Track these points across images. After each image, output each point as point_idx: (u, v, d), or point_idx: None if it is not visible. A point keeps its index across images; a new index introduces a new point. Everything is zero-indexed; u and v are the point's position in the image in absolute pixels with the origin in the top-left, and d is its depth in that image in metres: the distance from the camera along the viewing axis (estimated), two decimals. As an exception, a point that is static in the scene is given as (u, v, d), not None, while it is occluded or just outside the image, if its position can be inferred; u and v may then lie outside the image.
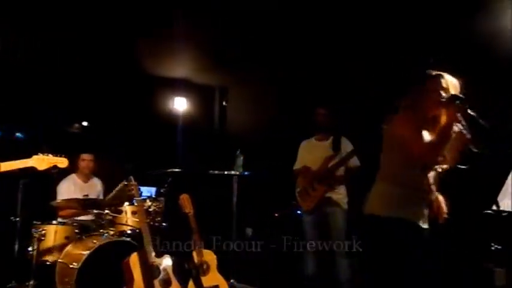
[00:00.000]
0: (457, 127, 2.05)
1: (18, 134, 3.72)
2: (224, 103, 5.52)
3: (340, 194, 3.61)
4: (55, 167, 2.66)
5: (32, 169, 2.56)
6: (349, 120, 4.00)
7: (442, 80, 2.12)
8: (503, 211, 2.75)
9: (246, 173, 4.04)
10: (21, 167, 2.49)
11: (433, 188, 2.18)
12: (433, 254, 2.15)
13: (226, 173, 4.10)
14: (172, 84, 5.48)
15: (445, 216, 2.20)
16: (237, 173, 4.06)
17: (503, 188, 2.67)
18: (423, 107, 2.12)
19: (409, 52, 3.65)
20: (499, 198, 2.71)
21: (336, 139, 3.70)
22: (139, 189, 3.96)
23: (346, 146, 3.69)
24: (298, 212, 4.10)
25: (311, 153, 3.77)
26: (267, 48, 4.72)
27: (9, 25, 4.10)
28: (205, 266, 3.38)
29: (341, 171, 3.63)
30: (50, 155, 2.57)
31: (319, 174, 3.60)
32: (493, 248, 2.84)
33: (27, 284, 3.42)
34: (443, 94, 2.08)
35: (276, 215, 4.19)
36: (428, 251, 2.09)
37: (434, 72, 2.16)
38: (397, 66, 3.70)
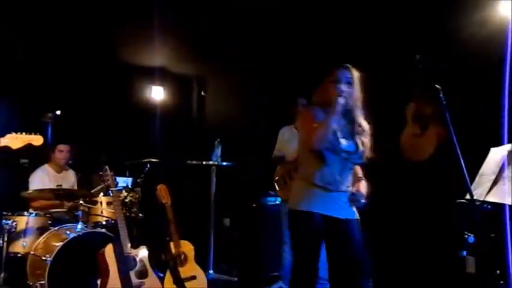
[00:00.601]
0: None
1: None
2: (202, 93, 5.45)
3: None
4: (30, 144, 2.57)
5: (5, 148, 2.46)
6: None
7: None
8: (476, 200, 2.80)
9: (224, 163, 4.00)
10: None
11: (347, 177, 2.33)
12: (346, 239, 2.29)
13: (204, 163, 4.06)
14: (150, 73, 5.37)
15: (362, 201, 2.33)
16: (216, 163, 4.03)
17: (477, 179, 2.71)
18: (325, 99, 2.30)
19: (394, 49, 3.65)
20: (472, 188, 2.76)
21: None
22: (115, 179, 3.89)
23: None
24: (277, 202, 4.11)
25: (291, 141, 3.75)
26: (245, 38, 4.67)
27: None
28: (182, 257, 3.35)
29: None
30: (24, 133, 2.49)
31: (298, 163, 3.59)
32: (466, 237, 2.90)
33: (-3, 276, 3.32)
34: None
35: (254, 205, 4.18)
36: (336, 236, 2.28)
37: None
38: (380, 62, 3.70)
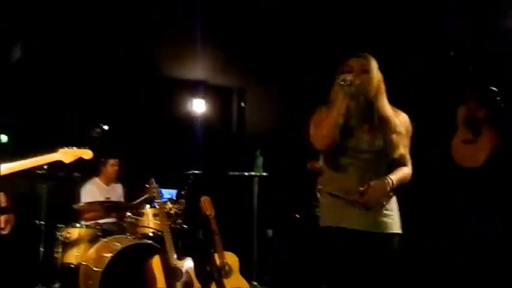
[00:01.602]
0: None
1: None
2: (242, 104, 5.51)
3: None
4: (80, 158, 2.70)
5: (58, 162, 2.60)
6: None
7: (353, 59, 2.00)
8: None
9: (265, 173, 4.01)
10: (48, 161, 2.54)
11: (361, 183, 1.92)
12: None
13: (246, 174, 4.09)
14: (191, 86, 5.49)
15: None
16: (257, 174, 4.04)
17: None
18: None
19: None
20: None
21: None
22: (160, 191, 3.99)
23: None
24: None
25: None
26: (285, 48, 4.69)
27: (32, 32, 4.18)
28: (227, 268, 3.37)
29: None
30: (75, 148, 2.62)
31: None
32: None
33: (52, 286, 3.47)
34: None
35: (297, 216, 4.14)
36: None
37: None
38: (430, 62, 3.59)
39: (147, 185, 3.33)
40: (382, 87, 1.98)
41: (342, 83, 1.87)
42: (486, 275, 2.99)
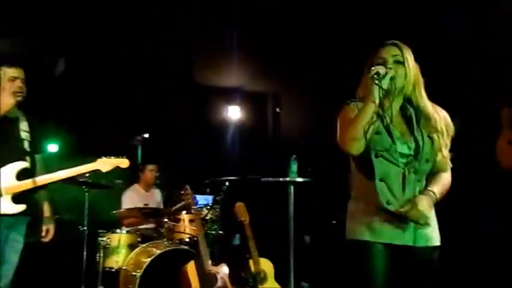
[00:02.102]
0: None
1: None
2: (277, 110, 5.51)
3: None
4: (118, 167, 2.79)
5: (97, 171, 2.71)
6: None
7: (385, 49, 1.77)
8: None
9: (300, 179, 3.97)
10: (86, 171, 2.66)
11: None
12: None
13: (281, 179, 4.06)
14: (226, 93, 5.57)
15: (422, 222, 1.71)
16: (292, 179, 4.00)
17: None
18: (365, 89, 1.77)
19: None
20: None
21: None
22: (195, 197, 4.04)
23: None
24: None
25: None
26: (318, 53, 4.65)
27: (73, 47, 4.39)
28: (262, 275, 3.37)
29: None
30: (113, 157, 2.72)
31: None
32: None
33: (95, 289, 3.61)
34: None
35: (334, 222, 4.08)
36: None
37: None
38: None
39: (182, 192, 3.39)
40: (420, 79, 1.77)
41: (375, 76, 1.67)
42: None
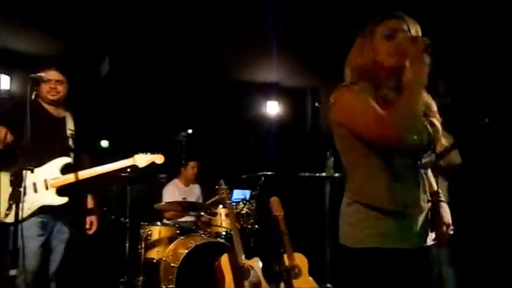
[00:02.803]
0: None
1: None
2: (316, 104, 5.46)
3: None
4: (153, 163, 2.92)
5: (134, 167, 2.85)
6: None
7: (398, 21, 1.52)
8: None
9: (336, 174, 3.93)
10: (123, 166, 2.81)
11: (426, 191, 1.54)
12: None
13: (317, 175, 4.04)
14: (265, 88, 5.58)
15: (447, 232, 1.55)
16: (328, 174, 3.97)
17: None
18: (371, 63, 1.50)
19: None
20: None
21: None
22: (232, 192, 4.10)
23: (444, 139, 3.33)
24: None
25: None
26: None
27: (118, 46, 4.58)
28: (296, 270, 3.37)
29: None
30: (149, 153, 2.86)
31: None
32: None
33: (137, 279, 3.77)
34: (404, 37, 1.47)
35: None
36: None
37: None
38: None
39: (217, 186, 3.46)
40: None
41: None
42: None
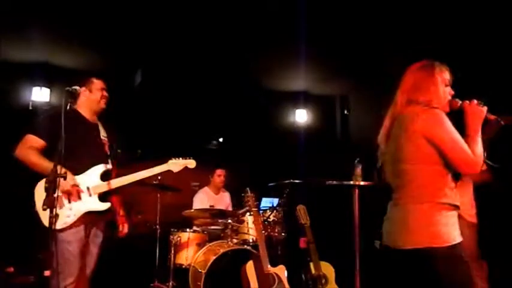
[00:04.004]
0: None
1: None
2: (346, 112, 5.42)
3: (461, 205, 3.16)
4: (188, 169, 2.97)
5: (169, 172, 2.90)
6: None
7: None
8: None
9: (363, 182, 3.87)
10: (160, 171, 2.86)
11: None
12: None
13: (344, 183, 3.99)
14: (293, 97, 5.60)
15: None
16: (356, 182, 3.92)
17: None
18: (441, 101, 1.92)
19: None
20: None
21: None
22: (260, 200, 4.13)
23: None
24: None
25: None
26: (385, 53, 4.50)
27: (149, 57, 4.75)
28: (323, 278, 3.36)
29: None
30: (181, 158, 2.90)
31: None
32: None
33: (167, 284, 3.87)
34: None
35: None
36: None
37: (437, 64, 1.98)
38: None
39: (243, 194, 3.51)
40: None
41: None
42: None
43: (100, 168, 2.68)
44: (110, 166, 2.74)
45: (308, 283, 3.32)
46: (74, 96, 2.66)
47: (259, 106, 5.45)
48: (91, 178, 2.64)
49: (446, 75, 1.95)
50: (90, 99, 2.76)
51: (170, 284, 3.86)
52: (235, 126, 5.46)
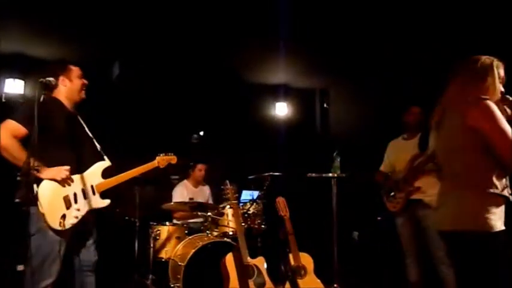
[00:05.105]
0: None
1: None
2: (325, 105, 5.47)
3: (432, 196, 3.27)
4: (170, 164, 2.99)
5: (156, 168, 2.91)
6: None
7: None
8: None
9: (342, 174, 3.93)
10: (150, 168, 2.89)
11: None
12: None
13: (323, 175, 4.05)
14: (273, 90, 5.62)
15: None
16: (335, 175, 3.98)
17: None
18: (495, 94, 1.99)
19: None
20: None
21: (423, 137, 3.44)
22: (240, 192, 4.14)
23: None
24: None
25: (397, 153, 3.59)
26: (365, 48, 4.55)
27: (128, 50, 4.68)
28: (302, 269, 3.39)
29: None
30: (163, 154, 2.93)
31: (405, 174, 3.38)
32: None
33: (146, 278, 3.85)
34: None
35: (379, 218, 3.98)
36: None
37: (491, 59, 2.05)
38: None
39: (222, 187, 3.51)
40: None
41: None
42: None
43: (102, 166, 2.65)
44: (109, 163, 2.69)
45: (287, 274, 3.35)
46: (49, 87, 2.56)
47: (239, 99, 5.44)
48: (94, 176, 2.61)
49: (501, 72, 2.02)
50: (71, 88, 2.63)
51: (150, 277, 3.85)
52: (216, 120, 5.44)
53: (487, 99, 1.94)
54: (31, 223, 2.38)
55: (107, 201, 2.63)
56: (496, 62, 2.03)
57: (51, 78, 2.49)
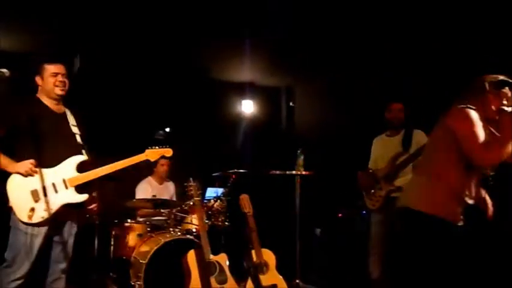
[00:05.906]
0: None
1: None
2: (291, 103, 5.53)
3: None
4: (163, 156, 2.94)
5: (146, 161, 2.85)
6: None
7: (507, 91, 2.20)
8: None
9: (306, 172, 3.99)
10: (138, 161, 2.80)
11: (478, 188, 2.23)
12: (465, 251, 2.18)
13: (287, 173, 4.10)
14: (239, 87, 5.63)
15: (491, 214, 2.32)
16: (298, 172, 4.03)
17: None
18: (487, 109, 2.17)
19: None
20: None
21: (406, 134, 3.49)
22: (205, 189, 4.11)
23: (421, 140, 3.41)
24: (363, 212, 3.95)
25: (381, 149, 3.63)
26: (332, 45, 4.62)
27: (90, 42, 4.56)
28: (264, 265, 3.42)
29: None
30: (157, 147, 2.87)
31: (386, 172, 3.44)
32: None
33: (107, 276, 3.78)
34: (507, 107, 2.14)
35: (340, 215, 4.07)
36: (461, 248, 2.14)
37: (500, 78, 2.22)
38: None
39: (185, 184, 3.50)
40: None
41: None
42: None
43: (75, 160, 2.59)
44: (85, 157, 2.64)
45: (249, 270, 3.38)
46: (3, 80, 2.50)
47: (206, 96, 5.42)
48: (66, 170, 2.56)
49: (507, 94, 2.18)
50: (45, 88, 2.63)
51: (110, 275, 3.78)
52: (182, 117, 5.39)
53: (473, 109, 2.12)
54: (11, 217, 2.50)
55: (83, 196, 2.58)
56: (499, 87, 2.18)
57: (4, 70, 2.41)
